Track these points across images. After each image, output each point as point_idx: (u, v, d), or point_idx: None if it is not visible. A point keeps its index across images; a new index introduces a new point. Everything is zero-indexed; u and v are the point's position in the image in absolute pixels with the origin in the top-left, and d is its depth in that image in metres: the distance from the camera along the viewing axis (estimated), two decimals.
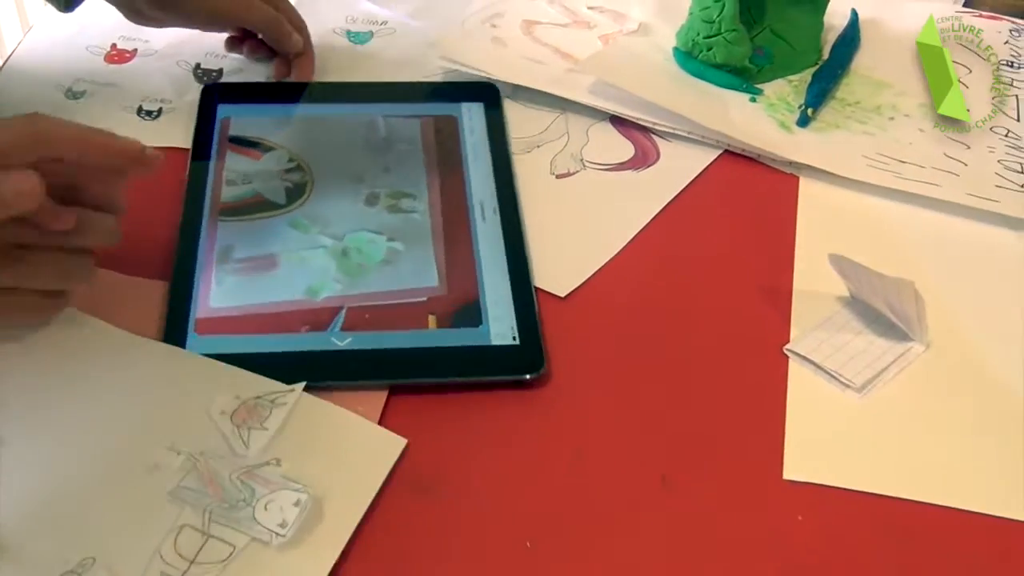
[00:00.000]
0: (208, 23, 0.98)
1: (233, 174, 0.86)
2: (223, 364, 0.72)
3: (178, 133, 0.93)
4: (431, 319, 0.76)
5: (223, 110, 0.93)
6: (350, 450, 0.69)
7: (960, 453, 0.71)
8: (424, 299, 0.78)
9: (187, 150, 0.89)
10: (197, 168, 0.87)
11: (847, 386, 0.74)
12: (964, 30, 1.07)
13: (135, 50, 1.02)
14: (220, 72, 1.00)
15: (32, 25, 1.05)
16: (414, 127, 0.93)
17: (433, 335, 0.75)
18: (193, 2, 0.96)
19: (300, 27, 0.99)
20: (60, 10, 0.98)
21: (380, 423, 0.70)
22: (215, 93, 0.95)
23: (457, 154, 0.90)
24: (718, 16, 0.98)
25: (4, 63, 1.00)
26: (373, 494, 0.66)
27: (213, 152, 0.88)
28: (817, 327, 0.78)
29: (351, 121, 0.94)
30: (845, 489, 0.68)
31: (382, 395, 0.72)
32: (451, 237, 0.82)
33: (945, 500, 0.68)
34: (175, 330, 0.74)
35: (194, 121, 0.92)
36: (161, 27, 0.98)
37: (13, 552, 0.62)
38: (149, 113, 0.95)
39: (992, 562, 0.66)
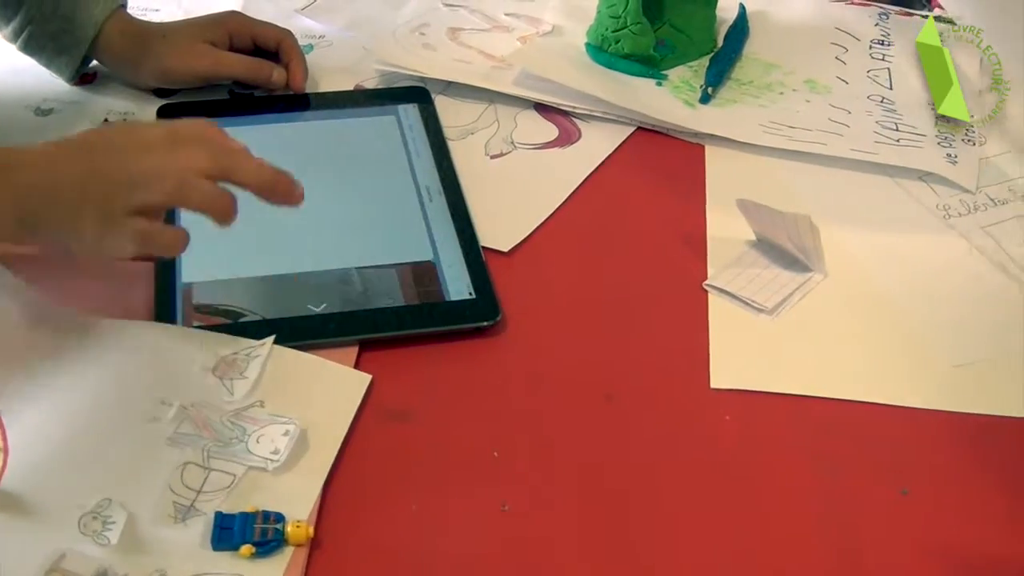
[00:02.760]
0: (198, 82, 1.02)
1: None
2: (198, 330, 0.77)
3: None
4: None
5: None
6: (323, 388, 0.74)
7: (856, 357, 0.79)
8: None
9: None
10: None
11: (760, 310, 0.82)
12: (965, 31, 1.13)
13: (95, 73, 1.06)
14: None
15: None
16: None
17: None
18: (180, 73, 1.02)
19: (280, 43, 1.04)
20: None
21: None
22: (170, 111, 1.00)
23: (399, 148, 0.96)
24: (623, 11, 1.05)
25: None
26: (348, 422, 0.72)
27: None
28: (730, 265, 0.85)
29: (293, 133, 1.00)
30: (764, 392, 0.76)
31: (353, 351, 0.77)
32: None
33: (845, 395, 0.76)
34: (164, 304, 0.80)
35: None
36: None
37: (32, 508, 0.66)
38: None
39: (883, 440, 0.74)
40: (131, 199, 0.70)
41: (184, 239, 0.74)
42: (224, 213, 0.73)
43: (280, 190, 0.74)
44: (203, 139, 0.74)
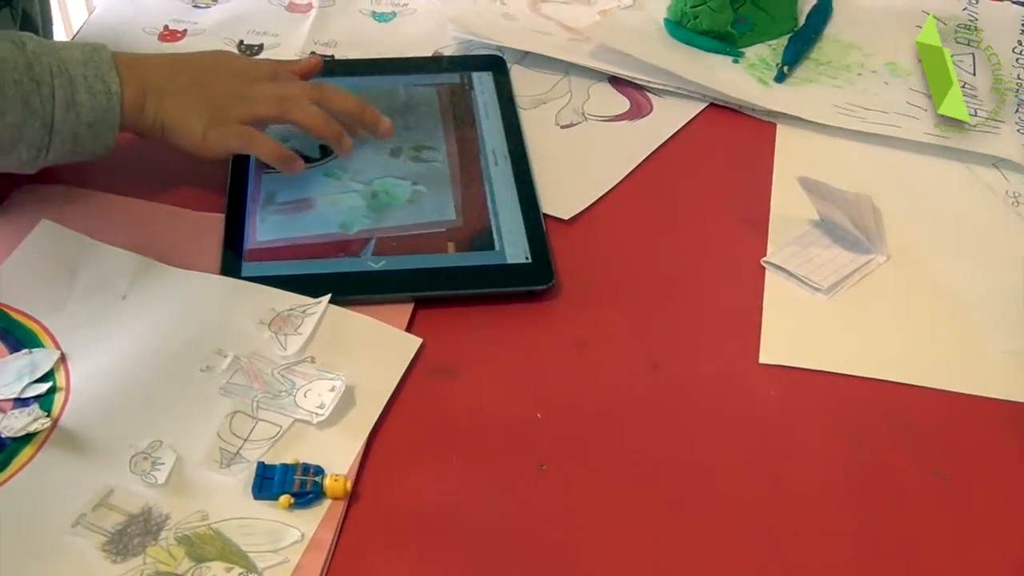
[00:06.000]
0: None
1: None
2: (258, 285, 0.77)
3: None
4: (450, 245, 0.82)
5: None
6: (373, 348, 0.74)
7: (907, 340, 0.77)
8: (443, 229, 0.83)
9: None
10: None
11: (816, 289, 0.79)
12: (964, 29, 1.11)
13: (185, 30, 1.07)
14: (261, 47, 1.05)
15: (94, 8, 1.10)
16: (431, 93, 0.98)
17: (455, 257, 0.81)
18: None
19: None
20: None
21: (408, 330, 0.75)
22: None
23: (470, 113, 0.95)
24: None
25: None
26: (395, 382, 0.72)
27: None
28: (790, 243, 0.83)
29: (375, 90, 0.98)
30: (812, 370, 0.74)
31: (408, 308, 0.77)
32: (466, 180, 0.88)
33: (892, 377, 0.74)
34: (230, 258, 0.80)
35: None
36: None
37: (88, 445, 0.68)
38: None
39: (926, 423, 0.71)
40: (244, 111, 0.82)
41: (280, 151, 0.84)
42: (333, 133, 0.84)
43: (368, 117, 0.87)
44: (295, 78, 0.87)
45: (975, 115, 0.97)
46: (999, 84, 1.02)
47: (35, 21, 1.00)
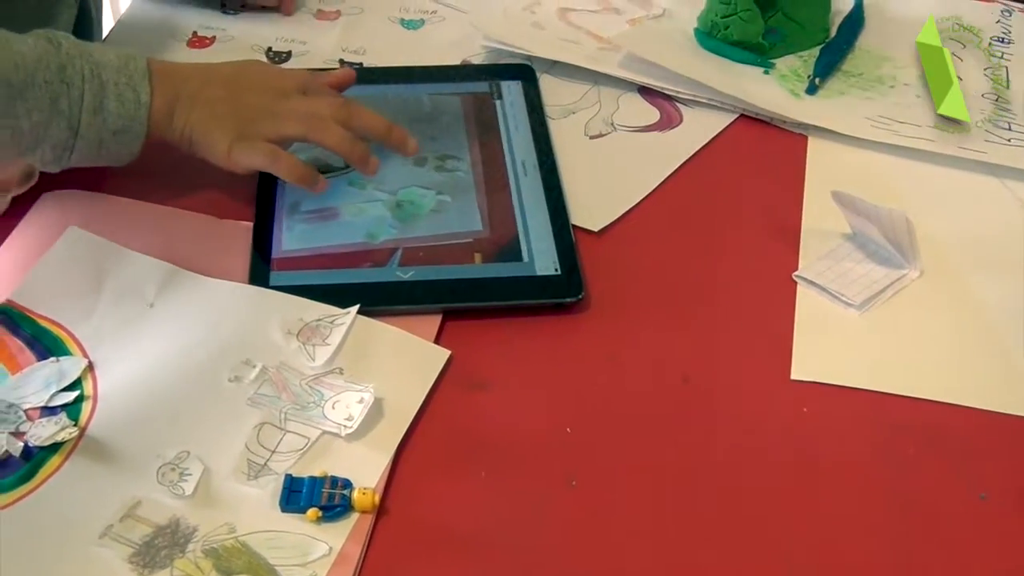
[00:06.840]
0: None
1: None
2: (286, 295, 0.77)
3: None
4: (477, 256, 0.81)
5: None
6: (402, 360, 0.73)
7: (943, 358, 0.76)
8: (471, 240, 0.83)
9: None
10: None
11: (848, 304, 0.78)
12: (963, 30, 1.10)
13: (213, 37, 1.07)
14: (289, 54, 1.05)
15: (120, 16, 1.10)
16: (455, 102, 0.98)
17: (485, 268, 0.80)
18: None
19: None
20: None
21: (436, 342, 0.75)
22: None
23: (494, 122, 0.95)
24: None
25: None
26: (424, 395, 0.71)
27: None
28: (822, 257, 0.82)
29: (399, 99, 0.98)
30: (844, 387, 0.73)
31: (436, 319, 0.77)
32: (492, 189, 0.88)
33: (928, 395, 0.73)
34: (258, 266, 0.80)
35: None
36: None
37: (115, 455, 0.67)
38: None
39: (965, 443, 0.71)
40: (271, 128, 0.82)
41: (301, 171, 0.83)
42: (358, 155, 0.84)
43: (395, 136, 0.86)
44: (327, 92, 0.87)
45: (1009, 129, 0.96)
46: (998, 84, 1.02)
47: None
